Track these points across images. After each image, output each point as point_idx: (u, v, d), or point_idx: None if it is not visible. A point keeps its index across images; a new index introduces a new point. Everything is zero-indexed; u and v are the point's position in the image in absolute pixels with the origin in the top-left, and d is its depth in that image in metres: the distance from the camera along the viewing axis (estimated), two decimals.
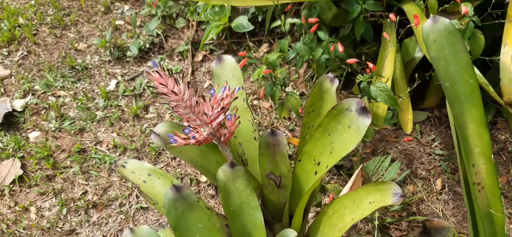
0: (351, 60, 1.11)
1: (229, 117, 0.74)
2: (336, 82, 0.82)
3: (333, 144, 0.74)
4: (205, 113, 0.73)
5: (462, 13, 1.24)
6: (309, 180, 0.80)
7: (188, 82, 0.71)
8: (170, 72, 0.72)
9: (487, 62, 1.39)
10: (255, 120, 1.71)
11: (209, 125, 0.75)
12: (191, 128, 0.72)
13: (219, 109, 0.74)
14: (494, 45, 1.50)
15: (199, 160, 0.85)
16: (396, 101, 1.02)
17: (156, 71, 0.70)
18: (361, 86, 1.04)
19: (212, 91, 0.73)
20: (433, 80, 1.59)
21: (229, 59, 0.93)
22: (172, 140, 0.74)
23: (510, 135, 1.70)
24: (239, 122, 0.76)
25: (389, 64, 1.32)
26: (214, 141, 0.79)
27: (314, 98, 0.85)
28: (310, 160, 0.80)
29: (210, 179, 0.88)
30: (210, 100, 0.74)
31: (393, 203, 0.63)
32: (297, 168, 0.83)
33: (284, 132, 1.64)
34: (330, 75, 0.83)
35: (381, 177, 1.29)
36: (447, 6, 1.32)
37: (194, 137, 0.72)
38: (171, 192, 0.73)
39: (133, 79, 1.89)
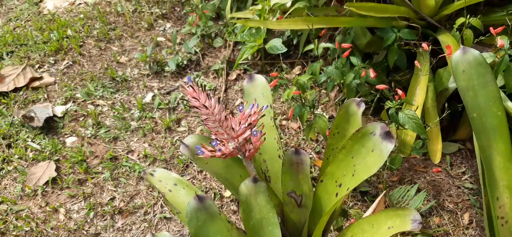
0: (381, 86, 1.11)
1: (255, 133, 0.76)
2: (363, 106, 0.83)
3: (356, 166, 0.74)
4: (233, 128, 0.76)
5: (497, 45, 1.22)
6: (330, 201, 0.81)
7: (219, 98, 0.74)
8: (204, 88, 0.75)
9: None
10: (282, 140, 1.72)
11: (236, 139, 0.77)
12: (218, 141, 0.75)
13: (246, 125, 0.76)
14: None
15: (223, 173, 0.88)
16: (424, 130, 1.01)
17: (190, 86, 0.74)
18: (389, 112, 1.03)
19: (240, 108, 0.76)
20: (466, 112, 1.55)
21: (260, 78, 0.96)
22: (199, 151, 0.77)
23: None
24: (265, 138, 0.78)
25: (421, 92, 1.31)
26: (239, 155, 0.81)
27: (340, 120, 0.86)
28: (332, 181, 0.80)
29: (233, 192, 0.90)
30: (238, 116, 0.77)
31: (412, 229, 0.63)
32: (318, 188, 0.84)
33: (310, 154, 1.64)
34: (357, 99, 0.84)
35: (405, 206, 1.26)
36: (483, 38, 1.30)
37: (220, 150, 0.74)
38: (194, 202, 0.75)
39: (168, 93, 1.96)
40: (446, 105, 1.25)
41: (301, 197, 0.88)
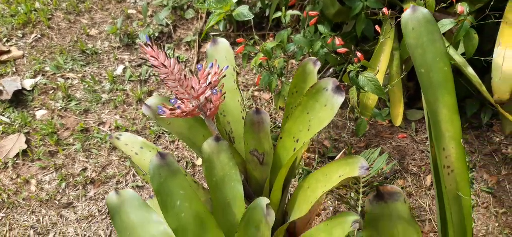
0: (342, 49, 1.14)
1: (214, 91, 0.78)
2: (318, 64, 0.86)
3: (311, 121, 0.78)
4: (193, 87, 0.78)
5: (458, 12, 1.27)
6: (288, 156, 0.85)
7: (177, 57, 0.75)
8: (162, 47, 0.77)
9: (483, 62, 1.42)
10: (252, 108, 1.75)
11: (197, 99, 0.79)
12: (178, 100, 0.77)
13: (206, 84, 0.78)
14: (492, 47, 1.52)
15: (186, 133, 0.90)
16: (383, 91, 1.05)
17: (148, 44, 0.75)
18: (350, 75, 1.07)
19: (199, 66, 0.78)
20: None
21: (223, 41, 0.98)
22: (160, 110, 0.79)
23: (504, 137, 1.72)
24: (224, 97, 0.80)
25: (384, 59, 1.35)
26: (201, 115, 0.83)
27: (297, 80, 0.89)
28: (290, 138, 0.84)
29: (196, 152, 0.93)
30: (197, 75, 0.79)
31: (359, 175, 0.67)
32: (278, 145, 0.88)
33: (281, 122, 1.68)
34: (313, 58, 0.87)
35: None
36: (444, 4, 1.34)
37: (179, 107, 0.76)
38: (156, 159, 0.77)
39: (140, 65, 1.95)
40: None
41: (263, 155, 0.92)
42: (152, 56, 0.75)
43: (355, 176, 0.67)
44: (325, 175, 0.76)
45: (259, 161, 0.92)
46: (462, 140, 0.76)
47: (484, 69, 1.44)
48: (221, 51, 0.99)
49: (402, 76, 1.33)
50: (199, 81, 0.78)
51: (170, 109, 0.78)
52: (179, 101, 0.77)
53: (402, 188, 1.54)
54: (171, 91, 0.78)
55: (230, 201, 0.84)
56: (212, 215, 0.79)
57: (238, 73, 1.91)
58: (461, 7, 1.28)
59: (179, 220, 0.77)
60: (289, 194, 0.97)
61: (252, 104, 1.76)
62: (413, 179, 1.60)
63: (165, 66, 0.75)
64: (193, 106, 0.78)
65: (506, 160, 1.65)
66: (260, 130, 0.89)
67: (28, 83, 1.80)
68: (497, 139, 1.72)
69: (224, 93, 0.80)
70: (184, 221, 0.77)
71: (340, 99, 0.73)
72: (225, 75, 0.83)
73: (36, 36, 2.08)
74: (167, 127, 0.89)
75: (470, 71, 1.40)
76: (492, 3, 1.33)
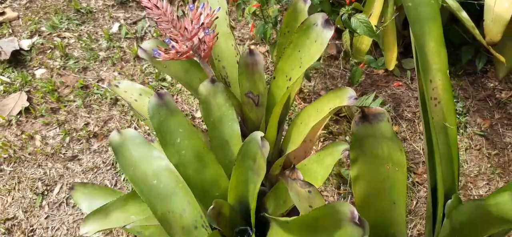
0: None
1: (207, 32, 0.81)
2: (309, 2, 0.88)
3: (302, 59, 0.80)
4: (186, 28, 0.80)
5: None
6: (282, 95, 0.88)
7: None
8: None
9: (476, 6, 1.42)
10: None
11: (190, 40, 0.82)
12: (171, 41, 0.79)
13: (199, 25, 0.81)
14: None
15: (183, 76, 0.93)
16: (375, 33, 1.07)
17: None
18: (342, 18, 1.09)
19: (191, 6, 0.80)
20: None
21: None
22: (156, 52, 0.82)
23: (498, 82, 1.75)
24: (217, 37, 0.82)
25: (378, 4, 1.36)
26: (195, 58, 0.86)
27: (288, 19, 0.91)
28: (283, 77, 0.87)
29: (193, 94, 0.96)
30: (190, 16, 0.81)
31: (348, 104, 0.71)
32: (272, 85, 0.91)
33: None
34: None
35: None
36: None
37: (173, 48, 0.79)
38: (155, 99, 0.81)
39: (135, 22, 1.95)
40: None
41: (258, 96, 0.95)
42: None
43: (344, 105, 0.70)
44: (316, 110, 0.79)
45: (255, 102, 0.95)
46: (448, 72, 0.79)
47: (478, 16, 1.45)
48: None
49: (393, 17, 1.34)
50: (192, 22, 0.80)
51: (165, 50, 0.81)
52: (173, 42, 0.79)
53: (396, 133, 1.59)
54: (160, 29, 0.81)
55: (228, 139, 0.88)
56: (211, 151, 0.84)
57: (233, 28, 1.92)
58: None
59: (180, 156, 0.82)
60: (284, 133, 1.01)
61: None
62: (407, 125, 1.64)
63: (157, 7, 0.77)
64: (187, 47, 0.80)
65: (500, 105, 1.68)
66: (255, 72, 0.92)
67: (25, 44, 1.82)
68: (491, 85, 1.75)
69: (217, 34, 0.82)
70: (184, 157, 0.82)
71: (329, 33, 0.75)
72: (217, 17, 0.85)
73: None
74: (164, 70, 0.92)
75: (464, 15, 1.40)
76: None
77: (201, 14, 0.79)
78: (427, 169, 0.86)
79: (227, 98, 0.87)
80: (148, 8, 0.77)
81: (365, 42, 1.30)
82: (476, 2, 1.41)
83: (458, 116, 1.66)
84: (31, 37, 1.87)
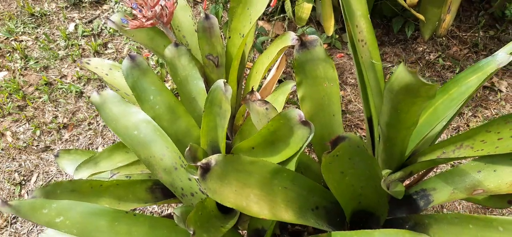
0: None
1: None
2: None
3: (251, 15, 0.96)
4: None
5: None
6: (238, 51, 1.03)
7: None
8: None
9: None
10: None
11: (153, 8, 0.95)
12: (137, 5, 0.92)
13: None
14: None
15: (149, 44, 1.05)
16: None
17: None
18: None
19: None
20: None
21: None
22: (124, 20, 0.94)
23: (426, 46, 2.00)
24: (177, 3, 0.96)
25: None
26: (158, 26, 0.99)
27: None
28: (236, 34, 1.01)
29: (160, 57, 1.09)
30: None
31: (292, 44, 0.87)
32: (228, 45, 1.05)
33: None
34: None
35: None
36: None
37: (141, 11, 0.92)
38: (127, 61, 0.93)
39: (90, 21, 2.03)
40: None
41: (217, 57, 1.09)
42: None
43: (289, 45, 0.86)
44: (267, 57, 0.95)
45: (215, 63, 1.09)
46: (369, 17, 0.97)
47: None
48: None
49: None
50: None
51: (133, 18, 0.93)
52: (138, 6, 0.92)
53: (342, 97, 1.79)
54: (130, 7, 0.93)
55: (195, 96, 1.02)
56: (181, 104, 0.97)
57: None
58: None
59: (154, 111, 0.94)
60: (243, 88, 1.15)
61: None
62: (351, 89, 1.84)
63: None
64: (152, 13, 0.93)
65: (429, 65, 1.93)
66: (212, 34, 1.06)
67: None
68: (421, 49, 2.00)
69: (176, 1, 0.96)
70: (158, 111, 0.94)
71: None
72: None
73: None
74: (132, 38, 1.04)
75: None
76: None
77: None
78: (362, 102, 1.04)
79: (190, 59, 1.01)
80: None
81: (305, 11, 1.48)
82: None
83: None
84: None
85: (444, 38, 2.01)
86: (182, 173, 0.93)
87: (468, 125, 1.67)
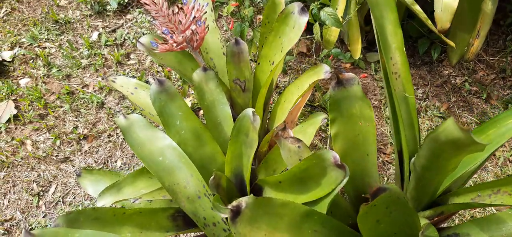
0: None
1: (199, 23, 0.92)
2: None
3: (283, 44, 0.93)
4: (180, 21, 0.91)
5: None
6: (266, 77, 1.00)
7: None
8: None
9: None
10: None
11: (184, 32, 0.93)
12: (169, 30, 0.90)
13: (191, 19, 0.92)
14: None
15: (177, 66, 1.04)
16: (341, 24, 1.22)
17: None
18: (313, 12, 1.23)
19: (184, 1, 0.91)
20: None
21: None
22: (154, 44, 0.92)
23: (452, 69, 1.95)
24: (208, 28, 0.94)
25: (342, 1, 1.52)
26: (188, 50, 0.97)
27: (268, 11, 1.04)
28: (266, 62, 0.99)
29: (187, 81, 1.07)
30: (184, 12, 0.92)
31: (324, 77, 0.84)
32: (257, 71, 1.03)
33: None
34: None
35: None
36: None
37: (172, 37, 0.90)
38: (155, 86, 0.91)
39: (114, 31, 2.03)
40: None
41: (244, 82, 1.07)
42: None
43: (321, 78, 0.83)
44: (297, 87, 0.92)
45: (241, 88, 1.07)
46: (404, 50, 0.93)
47: (431, 8, 1.63)
48: None
49: (356, 9, 1.50)
50: (186, 14, 0.91)
51: (162, 43, 0.92)
52: (169, 32, 0.90)
53: None
54: (157, 25, 0.92)
55: (221, 121, 0.99)
56: (207, 130, 0.95)
57: None
58: None
59: (180, 136, 0.92)
60: (269, 115, 1.13)
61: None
62: (375, 111, 1.80)
63: (155, 3, 0.88)
64: (182, 38, 0.91)
65: (455, 89, 1.88)
66: (241, 60, 1.04)
67: (7, 55, 1.86)
68: (446, 72, 1.95)
69: (208, 26, 0.94)
70: (184, 136, 0.92)
71: (305, 19, 0.89)
72: (206, 12, 0.97)
73: (6, 10, 2.11)
74: (160, 61, 1.03)
75: (417, 8, 1.58)
76: None
77: (193, 8, 0.91)
78: (393, 135, 1.00)
79: (218, 84, 0.99)
80: (146, 4, 0.88)
81: (333, 34, 1.45)
82: None
83: (419, 101, 1.84)
84: (12, 48, 1.91)
85: (470, 62, 1.96)
86: (206, 202, 0.91)
87: (500, 168, 1.60)
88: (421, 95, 1.83)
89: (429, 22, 1.57)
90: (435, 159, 0.67)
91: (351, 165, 0.79)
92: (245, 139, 0.91)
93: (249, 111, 0.88)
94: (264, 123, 1.09)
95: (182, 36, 0.92)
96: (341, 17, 1.42)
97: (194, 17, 0.92)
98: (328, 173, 0.70)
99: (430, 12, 1.61)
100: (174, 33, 0.90)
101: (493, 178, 1.54)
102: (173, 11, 0.90)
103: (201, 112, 0.98)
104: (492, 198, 0.84)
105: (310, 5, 1.28)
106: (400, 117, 0.94)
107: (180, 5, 0.93)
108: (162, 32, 0.89)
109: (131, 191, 0.88)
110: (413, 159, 0.89)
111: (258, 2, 1.64)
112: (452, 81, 1.92)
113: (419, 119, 1.77)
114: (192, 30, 0.93)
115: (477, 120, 1.74)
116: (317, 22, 1.26)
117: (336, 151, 0.78)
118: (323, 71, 0.85)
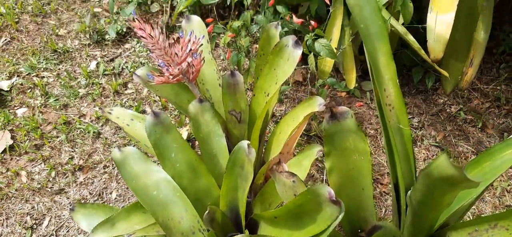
0: (298, 20, 1.32)
1: (195, 56, 0.93)
2: (279, 28, 1.03)
3: (278, 76, 0.94)
4: (176, 54, 0.92)
5: None
6: (261, 109, 1.01)
7: (162, 28, 0.89)
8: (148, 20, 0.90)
9: (420, 29, 1.64)
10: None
11: (180, 65, 0.94)
12: (165, 64, 0.91)
13: (187, 51, 0.93)
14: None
15: (173, 98, 1.04)
16: (335, 54, 1.24)
17: (136, 19, 0.89)
18: (307, 43, 1.25)
19: (181, 34, 0.92)
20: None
21: (196, 18, 1.13)
22: (150, 76, 0.93)
23: (447, 98, 1.96)
24: (204, 60, 0.95)
25: (336, 31, 1.54)
26: (184, 81, 0.98)
27: (263, 43, 1.05)
28: (262, 93, 1.00)
29: (183, 113, 1.07)
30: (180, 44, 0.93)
31: (319, 110, 0.84)
32: (252, 102, 1.04)
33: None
34: (275, 23, 1.03)
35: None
36: None
37: (168, 70, 0.91)
38: (151, 118, 0.91)
39: (112, 60, 2.05)
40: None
41: (240, 113, 1.07)
42: (140, 29, 0.89)
43: (315, 111, 0.84)
44: (293, 118, 0.92)
45: (237, 119, 1.07)
46: (398, 81, 0.94)
47: (423, 38, 1.66)
48: (195, 26, 1.13)
49: (350, 40, 1.52)
50: (182, 47, 0.92)
51: (158, 75, 0.92)
52: (166, 64, 0.91)
53: None
54: (153, 57, 0.92)
55: (216, 152, 0.99)
56: (202, 163, 0.94)
57: None
58: None
59: (175, 169, 0.92)
60: (265, 145, 1.13)
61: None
62: (371, 141, 1.80)
63: (151, 36, 0.89)
64: (178, 70, 0.92)
65: (450, 118, 1.89)
66: (236, 91, 1.05)
67: (4, 84, 1.87)
68: (441, 100, 1.96)
69: (203, 58, 0.95)
70: (179, 169, 0.92)
71: (299, 51, 0.90)
72: (202, 44, 0.98)
73: (5, 40, 2.13)
74: (156, 92, 1.03)
75: (410, 38, 1.61)
76: None
77: (189, 40, 0.92)
78: (389, 168, 1.00)
79: (213, 115, 0.99)
80: (143, 37, 0.89)
81: (328, 64, 1.47)
82: (420, 26, 1.62)
83: (414, 130, 1.84)
84: (10, 78, 1.92)
85: (465, 91, 1.98)
86: None
87: (498, 198, 1.59)
88: (416, 123, 1.84)
89: (422, 52, 1.59)
90: (430, 194, 0.67)
91: (346, 199, 0.78)
92: (241, 172, 0.91)
93: (244, 143, 0.88)
94: (260, 155, 1.09)
95: (178, 69, 0.93)
96: (335, 48, 1.44)
97: (190, 49, 0.93)
98: (324, 209, 0.69)
99: (423, 41, 1.63)
100: (170, 65, 0.91)
101: (491, 209, 1.53)
102: (169, 43, 0.91)
103: (197, 142, 0.98)
104: (489, 233, 0.83)
105: (304, 36, 1.30)
106: (396, 149, 0.94)
107: (176, 37, 0.94)
108: (158, 65, 0.90)
109: (125, 227, 0.86)
110: (409, 192, 0.88)
111: (255, 32, 1.67)
112: (447, 110, 1.93)
113: (416, 149, 1.77)
114: (188, 62, 0.94)
115: (473, 149, 1.74)
116: (312, 53, 1.28)
117: (331, 185, 0.78)
118: (317, 104, 0.86)
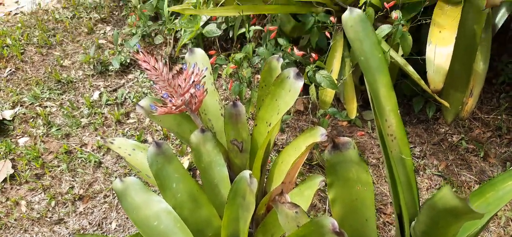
0: (299, 52, 1.34)
1: (198, 87, 0.94)
2: (281, 60, 1.05)
3: (279, 106, 0.95)
4: (179, 85, 0.94)
5: (393, 18, 1.51)
6: (264, 139, 1.01)
7: (165, 60, 0.91)
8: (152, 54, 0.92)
9: (419, 61, 1.66)
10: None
11: (183, 96, 0.95)
12: (168, 95, 0.92)
13: (190, 82, 0.94)
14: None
15: (175, 128, 1.05)
16: (336, 85, 1.25)
17: (141, 51, 0.90)
18: (308, 74, 1.26)
19: (184, 66, 0.94)
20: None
21: (199, 50, 1.15)
22: (153, 107, 0.94)
23: (448, 127, 1.97)
24: (207, 91, 0.96)
25: (337, 62, 1.57)
26: (187, 112, 0.99)
27: (265, 75, 1.06)
28: (263, 123, 1.00)
29: (185, 143, 1.08)
30: (183, 75, 0.95)
31: (320, 140, 0.84)
32: (254, 132, 1.04)
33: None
34: (276, 55, 1.05)
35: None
36: (382, 13, 1.58)
37: (171, 101, 0.92)
38: (153, 148, 0.92)
39: (115, 90, 2.07)
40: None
41: (242, 143, 1.08)
42: (144, 61, 0.90)
43: (317, 141, 0.84)
44: (294, 148, 0.93)
45: (239, 149, 1.08)
46: (399, 112, 0.95)
47: (423, 69, 1.68)
48: (198, 58, 1.15)
49: (350, 71, 1.54)
50: (185, 79, 0.93)
51: (161, 106, 0.93)
52: (169, 95, 0.92)
53: None
54: (157, 88, 0.94)
55: (218, 182, 0.99)
56: (204, 193, 0.94)
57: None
58: (395, 14, 1.52)
59: (176, 199, 0.92)
60: (266, 175, 1.13)
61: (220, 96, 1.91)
62: (373, 170, 1.80)
63: (155, 68, 0.90)
64: (181, 101, 0.93)
65: (452, 147, 1.88)
66: (238, 121, 1.05)
67: (7, 114, 1.88)
68: (443, 130, 1.97)
69: (206, 89, 0.96)
70: (180, 199, 0.92)
71: (300, 83, 0.91)
72: (205, 76, 0.99)
73: (10, 70, 2.16)
74: (159, 123, 1.04)
75: (410, 69, 1.63)
76: (422, 10, 1.59)
77: (193, 72, 0.93)
78: (392, 198, 1.00)
79: (215, 145, 0.99)
80: (147, 69, 0.91)
81: (329, 95, 1.48)
82: (419, 57, 1.64)
83: (416, 160, 1.84)
84: (13, 107, 1.93)
85: (466, 121, 1.98)
86: None
87: (503, 228, 1.58)
88: (418, 153, 1.83)
89: (422, 82, 1.61)
90: (434, 225, 0.66)
91: (349, 230, 0.77)
92: (242, 202, 0.90)
93: (246, 173, 0.88)
94: (262, 185, 1.08)
95: (181, 100, 0.94)
96: (336, 79, 1.46)
97: (193, 81, 0.94)
98: None
99: (423, 72, 1.65)
100: (173, 96, 0.92)
101: None
102: (172, 75, 0.93)
103: (199, 172, 0.98)
104: None
105: (305, 68, 1.32)
106: (398, 179, 0.94)
107: (179, 67, 0.95)
108: (162, 96, 0.91)
109: None
110: (413, 223, 0.87)
111: (256, 63, 1.69)
112: (449, 139, 1.93)
113: (418, 178, 1.76)
114: (191, 93, 0.95)
115: (476, 179, 1.73)
116: (313, 84, 1.29)
117: (334, 216, 0.77)
118: (319, 134, 0.86)
